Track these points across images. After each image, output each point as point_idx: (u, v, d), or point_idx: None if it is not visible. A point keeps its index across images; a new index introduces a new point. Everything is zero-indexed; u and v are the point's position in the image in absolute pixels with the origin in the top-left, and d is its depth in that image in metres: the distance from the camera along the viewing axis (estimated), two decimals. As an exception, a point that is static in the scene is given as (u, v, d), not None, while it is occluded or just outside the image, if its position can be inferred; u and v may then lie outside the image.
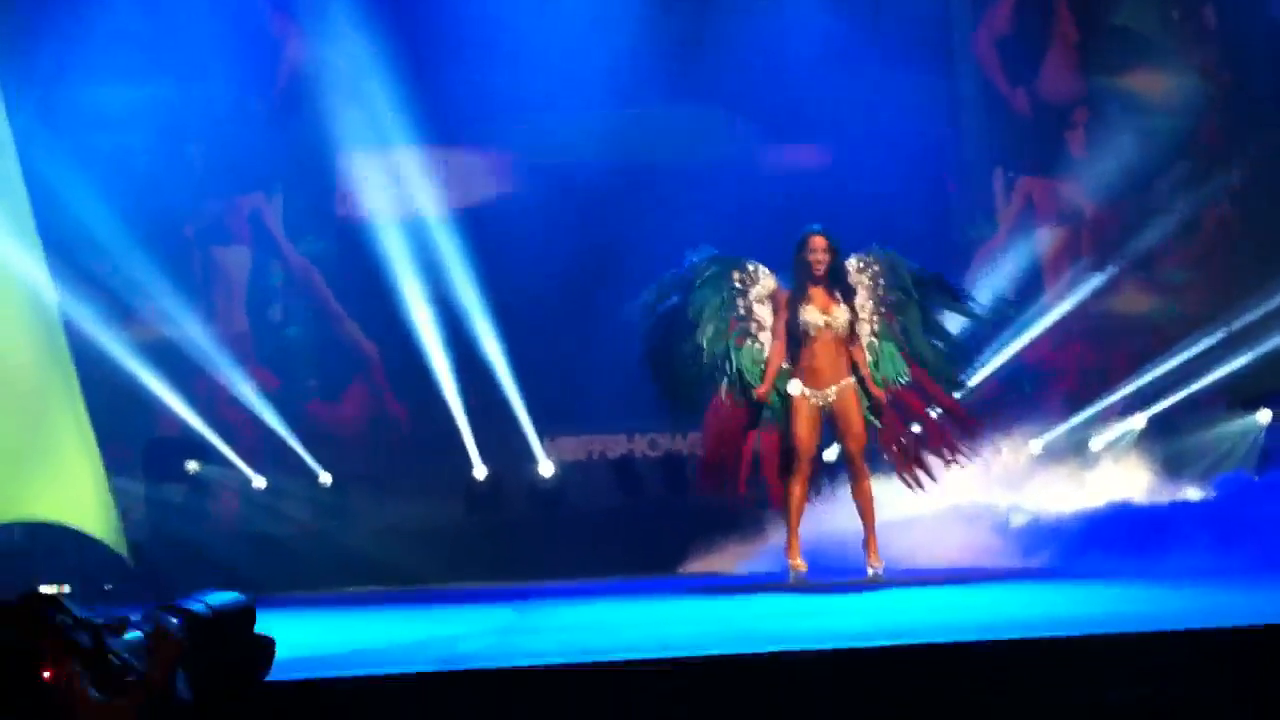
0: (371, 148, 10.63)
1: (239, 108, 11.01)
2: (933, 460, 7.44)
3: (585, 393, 10.65)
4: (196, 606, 2.39)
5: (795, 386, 7.15)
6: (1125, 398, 10.86)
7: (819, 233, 7.18)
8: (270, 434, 10.43)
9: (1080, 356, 11.36)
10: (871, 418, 7.25)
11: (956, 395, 7.53)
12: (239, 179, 11.02)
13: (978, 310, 7.67)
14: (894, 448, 7.39)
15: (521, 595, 7.87)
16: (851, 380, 7.17)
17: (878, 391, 7.18)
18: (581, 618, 6.42)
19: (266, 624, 3.31)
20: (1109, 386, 10.92)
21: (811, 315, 7.11)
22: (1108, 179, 11.30)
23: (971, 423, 7.59)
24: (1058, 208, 11.68)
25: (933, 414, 7.45)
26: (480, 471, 10.67)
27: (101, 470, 8.85)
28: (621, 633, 5.59)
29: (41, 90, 10.07)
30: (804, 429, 7.13)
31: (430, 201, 10.48)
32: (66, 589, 8.94)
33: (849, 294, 7.19)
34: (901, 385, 7.31)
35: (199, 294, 10.70)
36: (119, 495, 9.00)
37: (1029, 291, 11.04)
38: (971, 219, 11.69)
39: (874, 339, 7.26)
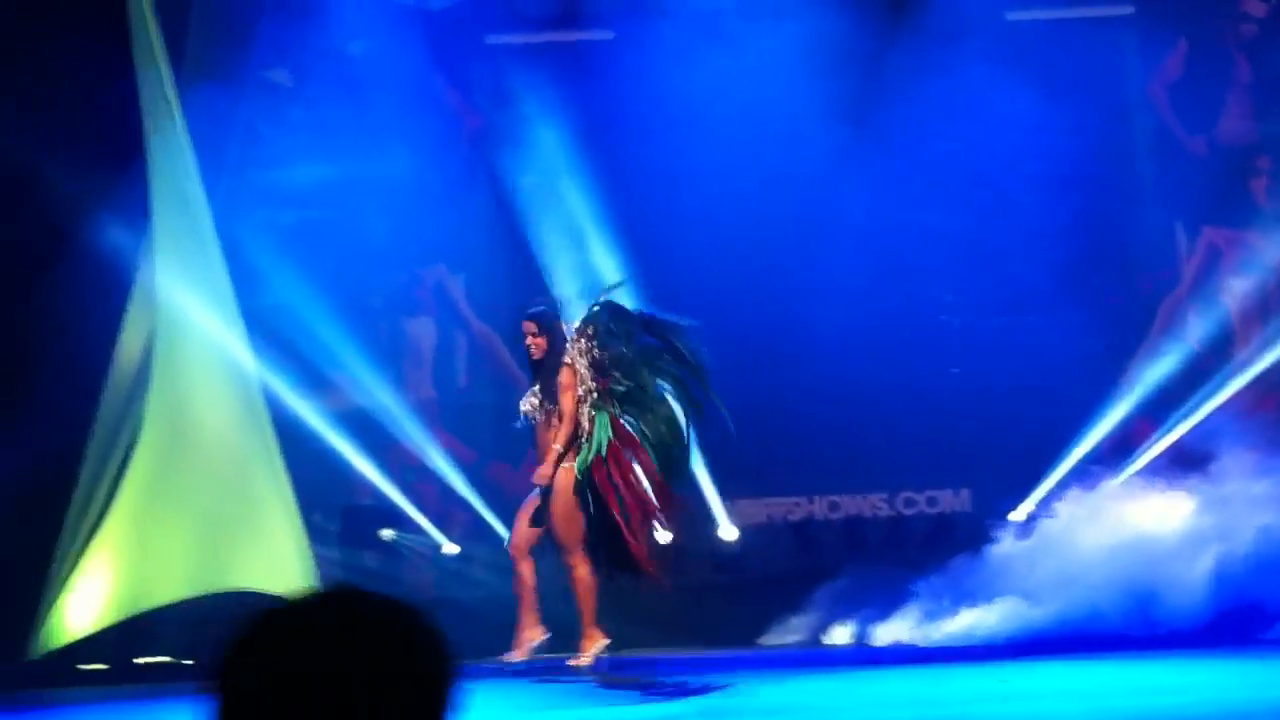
0: (551, 219, 10.81)
1: (419, 183, 11.31)
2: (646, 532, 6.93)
3: (764, 455, 10.64)
4: None
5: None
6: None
7: (528, 316, 7.01)
8: (459, 500, 10.59)
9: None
10: (589, 496, 6.76)
11: (661, 457, 6.89)
12: (422, 251, 11.30)
13: (697, 366, 7.12)
14: (610, 526, 6.87)
15: (709, 666, 7.85)
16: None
17: (545, 470, 6.68)
18: (785, 698, 6.34)
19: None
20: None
21: (522, 404, 6.96)
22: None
23: (664, 494, 6.99)
24: (1244, 257, 11.37)
25: (635, 481, 6.87)
26: (662, 536, 10.68)
27: (303, 538, 9.12)
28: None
29: (234, 172, 10.47)
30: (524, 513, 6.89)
31: (607, 267, 10.61)
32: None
33: (552, 373, 6.81)
34: (606, 453, 6.78)
35: (388, 363, 10.95)
36: (318, 562, 9.25)
37: (1220, 344, 10.77)
38: (1154, 270, 11.45)
39: (590, 410, 6.81)
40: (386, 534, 10.46)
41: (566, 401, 6.64)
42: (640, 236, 10.45)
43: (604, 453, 6.64)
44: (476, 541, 10.65)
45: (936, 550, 10.11)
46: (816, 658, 8.90)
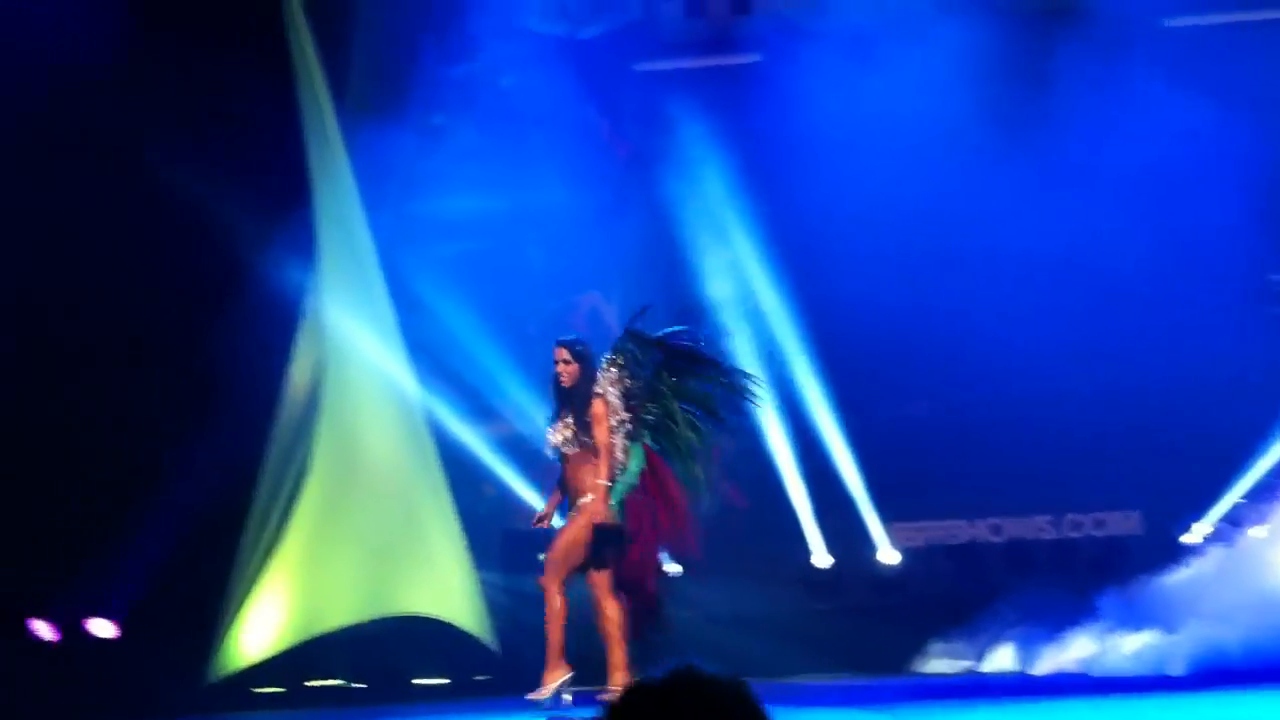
0: (706, 243, 10.85)
1: (573, 211, 11.45)
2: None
3: (924, 476, 10.51)
4: None
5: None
6: None
7: (561, 342, 6.69)
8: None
9: None
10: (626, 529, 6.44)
11: (690, 483, 6.64)
12: (576, 279, 11.42)
13: (731, 376, 6.84)
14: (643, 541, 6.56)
15: (866, 694, 7.74)
16: (585, 500, 6.46)
17: (599, 508, 6.33)
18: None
19: None
20: None
21: (550, 435, 6.63)
22: None
23: (683, 520, 6.66)
24: None
25: (662, 504, 6.58)
26: (822, 559, 10.62)
27: (468, 564, 9.26)
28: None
29: (396, 206, 10.72)
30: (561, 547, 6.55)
31: (766, 291, 10.59)
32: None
33: (585, 403, 6.49)
34: (641, 484, 6.49)
35: (545, 389, 11.06)
36: (482, 587, 9.38)
37: None
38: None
39: (625, 441, 6.52)
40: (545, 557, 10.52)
41: (602, 434, 6.39)
42: (795, 257, 10.42)
43: (636, 483, 6.42)
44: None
45: (1105, 574, 9.84)
46: (977, 686, 8.73)
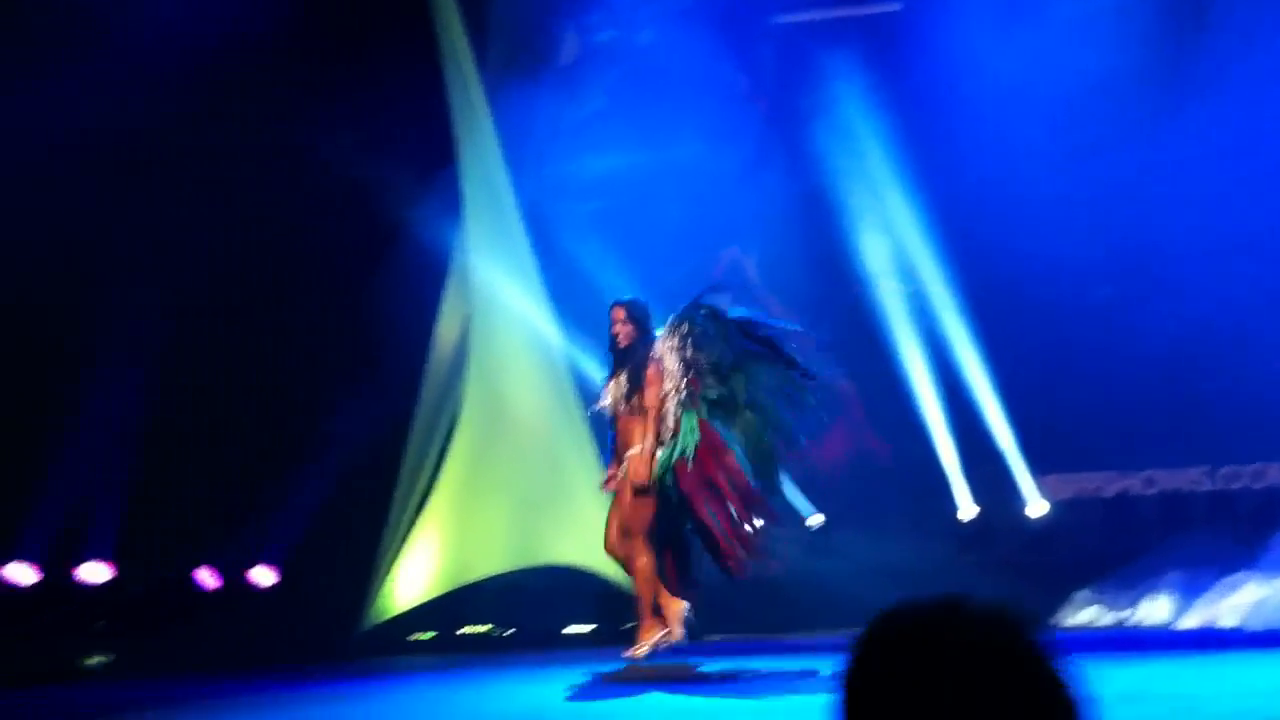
0: (845, 194, 10.77)
1: (713, 166, 11.45)
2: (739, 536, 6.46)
3: (1076, 428, 10.32)
4: None
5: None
6: None
7: (618, 303, 6.62)
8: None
9: None
10: (671, 491, 6.40)
11: (754, 464, 6.48)
12: (716, 234, 11.42)
13: (806, 373, 6.64)
14: (696, 518, 6.47)
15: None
16: (631, 453, 6.41)
17: (641, 469, 6.28)
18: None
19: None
20: None
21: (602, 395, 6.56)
22: None
23: (754, 499, 6.53)
24: None
25: (721, 482, 6.44)
26: (968, 511, 10.51)
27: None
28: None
29: (538, 165, 10.85)
30: (614, 512, 6.51)
31: (913, 242, 10.47)
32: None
33: (640, 365, 6.43)
34: (694, 455, 6.35)
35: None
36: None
37: None
38: None
39: (677, 408, 6.41)
40: (692, 511, 10.58)
41: (651, 396, 6.35)
42: (940, 207, 10.28)
43: (690, 455, 6.33)
44: (779, 518, 10.69)
45: (1263, 528, 9.57)
46: (1127, 639, 8.56)
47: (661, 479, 6.33)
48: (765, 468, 6.50)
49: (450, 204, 9.66)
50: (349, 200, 9.18)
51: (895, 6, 11.23)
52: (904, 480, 10.83)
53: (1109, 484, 10.73)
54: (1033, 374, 10.41)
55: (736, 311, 6.73)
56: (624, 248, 10.95)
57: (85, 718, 5.88)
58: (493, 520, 9.33)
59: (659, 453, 6.30)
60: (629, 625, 9.35)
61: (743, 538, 6.45)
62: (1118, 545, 10.32)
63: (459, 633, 9.40)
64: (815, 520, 10.65)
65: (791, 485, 10.55)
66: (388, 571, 9.24)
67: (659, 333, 6.58)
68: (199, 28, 8.81)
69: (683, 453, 6.31)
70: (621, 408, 6.40)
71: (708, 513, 6.40)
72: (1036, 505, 10.43)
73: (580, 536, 9.14)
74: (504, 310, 9.48)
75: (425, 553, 9.42)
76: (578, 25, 11.14)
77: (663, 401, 6.34)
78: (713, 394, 6.41)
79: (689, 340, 6.47)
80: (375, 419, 9.11)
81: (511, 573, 9.30)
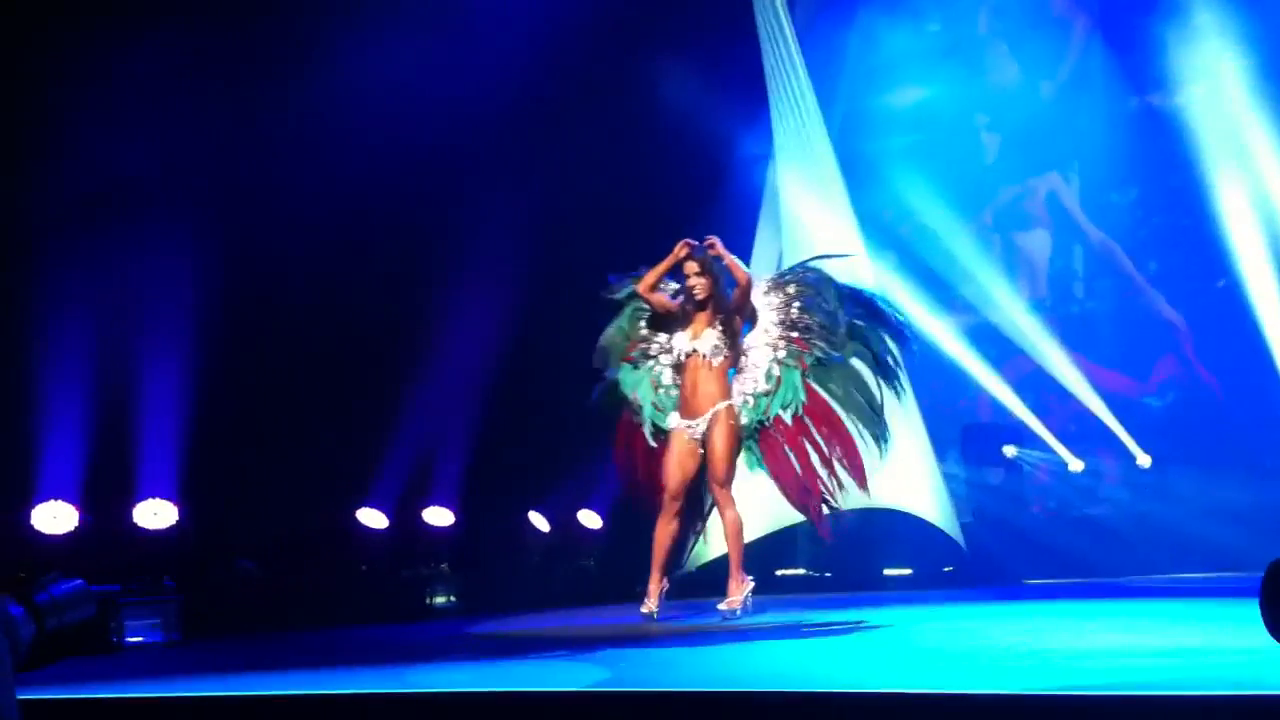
0: (1168, 120, 10.22)
1: (1029, 93, 11.04)
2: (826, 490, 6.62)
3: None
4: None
5: (673, 419, 6.57)
6: None
7: (691, 256, 6.49)
8: (1085, 415, 10.31)
9: None
10: (755, 446, 6.55)
11: (866, 428, 6.67)
12: (1033, 163, 11.04)
13: (909, 339, 6.88)
14: (783, 478, 6.65)
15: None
16: (721, 407, 6.42)
17: (735, 420, 6.39)
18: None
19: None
20: None
21: (680, 341, 6.54)
22: None
23: (857, 460, 6.66)
24: None
25: (823, 445, 6.63)
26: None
27: (931, 455, 9.22)
28: None
29: (849, 101, 10.71)
30: (670, 463, 6.53)
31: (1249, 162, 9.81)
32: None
33: (730, 317, 6.44)
34: (796, 414, 6.51)
35: (1003, 278, 10.82)
36: (945, 480, 9.34)
37: None
38: None
39: (775, 365, 6.51)
40: (1010, 450, 10.35)
41: (738, 345, 6.53)
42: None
43: (797, 412, 6.52)
44: (1106, 458, 10.35)
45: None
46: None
47: (751, 428, 6.52)
48: (868, 431, 6.72)
49: (762, 141, 9.68)
50: (671, 145, 9.40)
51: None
52: (1236, 416, 10.27)
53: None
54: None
55: (852, 283, 6.98)
56: (938, 181, 10.72)
57: (435, 650, 6.19)
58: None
59: (758, 403, 6.50)
60: (948, 569, 9.27)
61: (830, 499, 6.68)
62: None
63: (777, 573, 9.45)
64: (1144, 461, 10.22)
65: (1119, 425, 10.17)
66: (706, 516, 9.37)
67: (760, 285, 6.71)
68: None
69: (783, 407, 6.50)
70: (718, 358, 6.50)
71: (795, 471, 6.62)
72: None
73: (899, 479, 9.02)
74: (816, 244, 9.40)
75: (743, 496, 9.49)
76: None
77: (747, 354, 6.54)
78: (819, 355, 6.57)
79: (794, 300, 6.63)
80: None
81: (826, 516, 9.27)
